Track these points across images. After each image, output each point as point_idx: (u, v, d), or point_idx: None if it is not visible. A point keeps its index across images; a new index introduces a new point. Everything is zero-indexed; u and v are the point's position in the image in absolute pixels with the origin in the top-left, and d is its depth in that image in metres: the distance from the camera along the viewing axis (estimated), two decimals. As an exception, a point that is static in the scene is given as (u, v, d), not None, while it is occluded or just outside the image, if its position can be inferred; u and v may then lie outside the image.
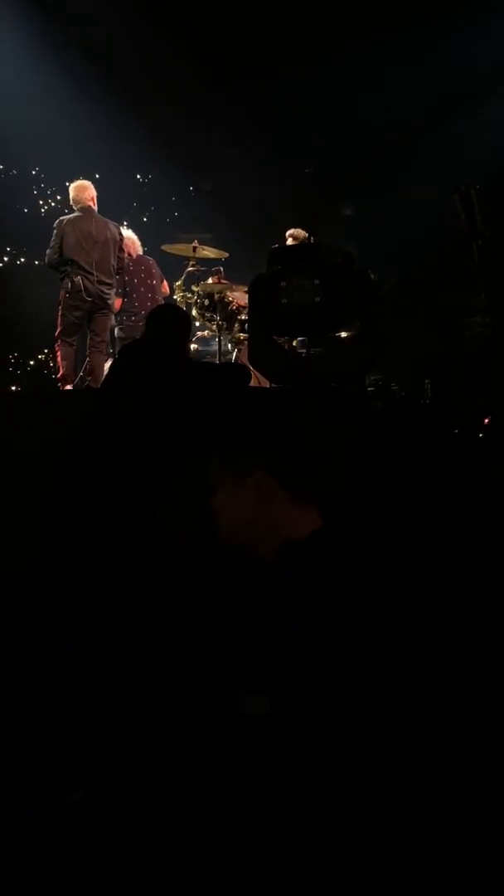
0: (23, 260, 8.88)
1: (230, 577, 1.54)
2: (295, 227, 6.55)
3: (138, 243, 6.62)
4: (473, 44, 7.41)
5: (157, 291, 6.45)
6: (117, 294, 6.23)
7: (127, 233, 6.48)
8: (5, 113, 7.69)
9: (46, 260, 5.97)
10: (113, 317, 6.26)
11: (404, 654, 1.37)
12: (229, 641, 1.46)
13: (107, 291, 5.94)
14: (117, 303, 6.27)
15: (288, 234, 6.57)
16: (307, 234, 6.47)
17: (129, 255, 6.38)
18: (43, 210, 8.87)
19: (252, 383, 4.01)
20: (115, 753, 1.65)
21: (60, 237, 5.86)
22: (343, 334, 4.85)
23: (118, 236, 6.08)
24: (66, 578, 2.47)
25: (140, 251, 6.59)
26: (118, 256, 6.05)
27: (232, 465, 1.46)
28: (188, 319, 4.40)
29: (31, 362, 8.50)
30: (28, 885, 1.51)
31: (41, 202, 8.97)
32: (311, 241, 6.42)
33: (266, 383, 4.11)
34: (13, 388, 7.96)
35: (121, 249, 6.11)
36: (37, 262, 7.18)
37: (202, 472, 1.54)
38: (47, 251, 5.95)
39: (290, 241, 6.53)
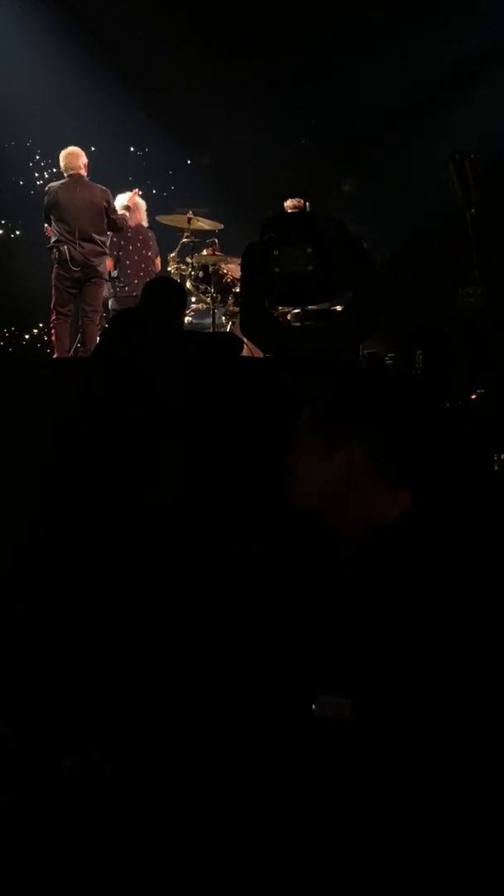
0: (17, 233, 8.82)
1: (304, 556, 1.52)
2: (293, 198, 6.52)
3: (142, 211, 6.57)
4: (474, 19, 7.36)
5: (150, 263, 6.42)
6: (109, 255, 6.21)
7: (137, 199, 6.46)
8: (3, 84, 7.62)
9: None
10: (106, 287, 6.24)
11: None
12: (309, 632, 1.41)
13: (93, 259, 5.91)
14: (108, 263, 6.23)
15: (286, 204, 6.53)
16: (305, 203, 6.45)
17: (130, 224, 6.33)
18: (39, 182, 8.80)
19: (244, 353, 4.01)
20: (106, 725, 1.67)
21: (46, 204, 5.88)
22: (338, 308, 4.84)
23: (105, 202, 6.03)
24: (64, 550, 2.47)
25: (144, 221, 6.52)
26: (111, 219, 6.02)
27: (327, 431, 1.45)
28: (183, 291, 4.38)
29: (27, 336, 8.46)
30: (27, 846, 1.51)
31: (36, 174, 8.90)
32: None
33: (258, 353, 4.10)
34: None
35: (113, 211, 6.07)
36: (34, 236, 7.15)
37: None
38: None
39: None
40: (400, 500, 1.42)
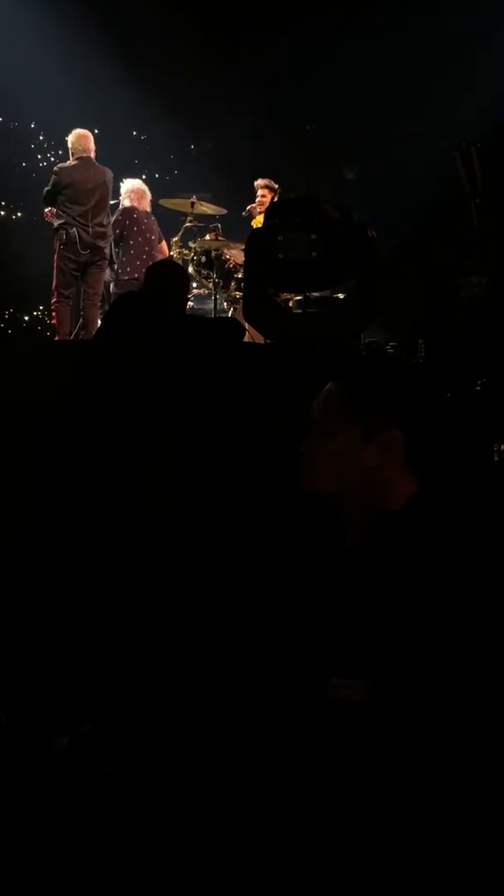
0: (19, 215, 8.79)
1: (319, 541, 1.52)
2: (263, 178, 6.58)
3: (147, 198, 6.49)
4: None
5: (153, 247, 6.38)
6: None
7: (136, 183, 6.43)
8: (6, 66, 7.57)
9: (42, 196, 5.98)
10: (108, 271, 6.23)
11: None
12: (325, 615, 1.41)
13: (101, 242, 5.92)
14: None
15: (256, 183, 6.59)
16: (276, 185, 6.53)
17: (137, 208, 6.31)
18: (42, 165, 8.76)
19: (246, 339, 4.01)
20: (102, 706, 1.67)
21: (58, 185, 5.84)
22: (340, 296, 4.83)
23: (110, 183, 6.06)
24: (61, 536, 2.47)
25: (146, 206, 6.49)
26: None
27: (365, 418, 1.45)
28: (186, 276, 4.36)
29: (27, 318, 8.44)
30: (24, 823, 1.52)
31: (39, 156, 8.86)
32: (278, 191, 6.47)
33: (260, 339, 4.09)
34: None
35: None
36: (35, 218, 7.12)
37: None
38: (44, 190, 5.96)
39: (262, 192, 6.53)
40: (410, 485, 1.43)
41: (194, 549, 2.26)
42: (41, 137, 8.82)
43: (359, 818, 1.24)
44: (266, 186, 6.60)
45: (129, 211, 6.26)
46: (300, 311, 4.69)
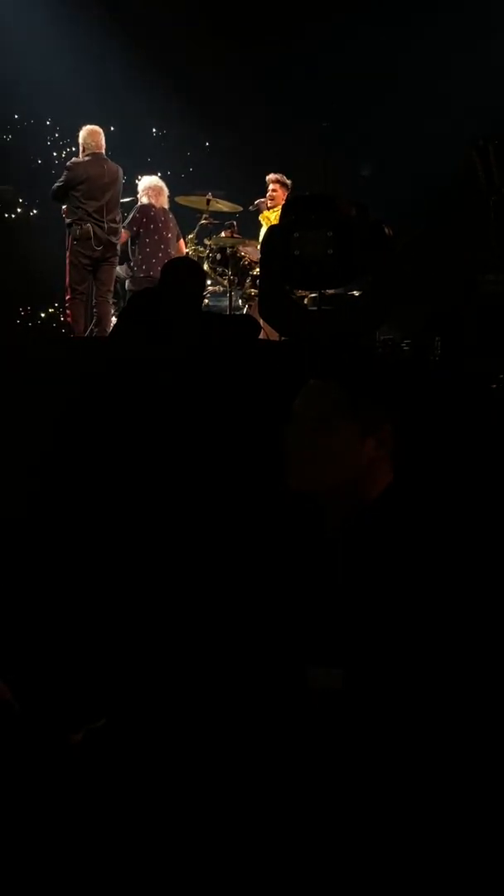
0: (35, 212, 8.80)
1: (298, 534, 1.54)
2: (275, 173, 6.56)
3: (164, 195, 6.47)
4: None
5: (170, 245, 6.38)
6: (127, 230, 6.22)
7: (153, 180, 6.43)
8: (23, 63, 7.60)
9: (52, 192, 5.96)
10: (123, 268, 6.24)
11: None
12: (301, 606, 1.44)
13: (114, 237, 5.94)
14: (123, 235, 6.22)
15: (268, 178, 6.56)
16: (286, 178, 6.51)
17: (154, 205, 6.31)
18: (57, 162, 8.78)
19: (261, 336, 4.00)
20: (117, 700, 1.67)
21: (73, 181, 5.83)
22: (355, 293, 4.81)
23: (122, 178, 6.08)
24: (73, 528, 2.48)
25: (163, 203, 6.48)
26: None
27: (362, 415, 1.47)
28: (202, 273, 4.36)
29: (42, 314, 8.45)
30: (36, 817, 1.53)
31: (55, 153, 8.87)
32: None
33: (275, 336, 4.08)
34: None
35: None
36: (49, 214, 7.13)
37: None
38: (54, 185, 5.93)
39: (273, 187, 6.52)
40: (387, 476, 1.46)
41: (190, 543, 2.27)
42: (56, 134, 8.84)
43: (338, 800, 1.28)
44: (277, 181, 6.58)
45: (146, 208, 6.27)
46: (315, 308, 4.68)
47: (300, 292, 5.04)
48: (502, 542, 1.79)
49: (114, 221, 5.94)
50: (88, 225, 5.79)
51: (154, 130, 9.30)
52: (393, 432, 1.47)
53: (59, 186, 5.92)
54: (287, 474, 1.49)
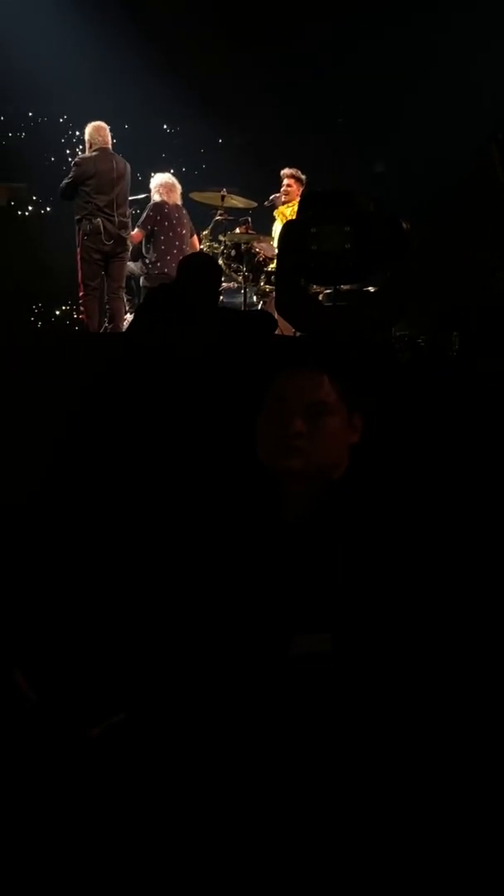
0: (48, 210, 8.83)
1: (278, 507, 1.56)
2: (290, 168, 6.56)
3: (177, 191, 6.48)
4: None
5: (184, 242, 6.39)
6: (142, 229, 6.22)
7: (166, 177, 6.44)
8: (36, 61, 7.61)
9: (60, 190, 5.96)
10: (138, 265, 6.24)
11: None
12: (287, 575, 1.46)
13: (124, 232, 5.93)
14: (138, 235, 6.23)
15: (282, 172, 6.56)
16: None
17: (167, 202, 6.32)
18: (70, 160, 8.80)
19: (277, 331, 3.99)
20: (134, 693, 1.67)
21: (81, 176, 5.83)
22: (370, 289, 4.80)
23: (130, 173, 6.08)
24: (87, 520, 2.48)
25: (176, 199, 6.49)
26: None
27: (349, 402, 1.56)
28: (219, 268, 4.36)
29: (57, 312, 8.48)
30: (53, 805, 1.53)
31: (68, 151, 8.89)
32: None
33: (291, 332, 4.08)
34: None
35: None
36: (60, 211, 7.14)
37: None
38: (63, 183, 5.93)
39: (287, 182, 6.51)
40: (347, 459, 1.55)
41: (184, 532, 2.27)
42: (69, 132, 8.86)
43: (326, 767, 1.30)
44: (292, 176, 6.58)
45: (159, 206, 6.27)
46: (330, 304, 4.67)
47: (315, 288, 5.03)
48: (477, 503, 1.86)
49: (124, 216, 5.93)
50: (98, 220, 5.78)
51: (165, 127, 9.30)
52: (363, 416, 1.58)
53: (67, 184, 5.91)
54: (286, 456, 1.52)
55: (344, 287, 4.68)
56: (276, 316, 3.89)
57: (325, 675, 1.34)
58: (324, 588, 1.40)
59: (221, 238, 6.01)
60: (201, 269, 3.59)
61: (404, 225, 3.44)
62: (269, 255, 5.94)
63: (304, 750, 1.32)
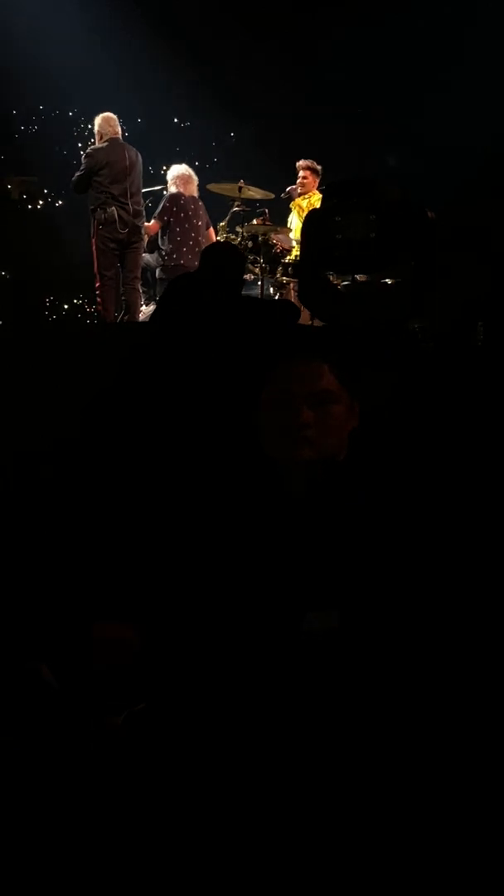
0: (60, 203, 8.82)
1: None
2: (306, 160, 6.53)
3: (193, 183, 6.47)
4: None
5: (200, 233, 6.38)
6: (159, 220, 6.21)
7: (182, 168, 6.42)
8: (48, 54, 7.61)
9: (73, 183, 5.95)
10: (154, 256, 6.23)
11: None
12: (293, 551, 1.46)
13: (138, 221, 5.93)
14: (154, 226, 6.22)
15: (298, 164, 6.54)
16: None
17: (184, 194, 6.30)
18: (82, 153, 8.80)
19: (300, 321, 3.98)
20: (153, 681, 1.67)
21: (94, 167, 5.82)
22: (388, 281, 4.79)
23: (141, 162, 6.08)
24: (107, 505, 2.47)
25: (192, 191, 6.47)
26: None
27: (349, 385, 1.57)
28: (243, 257, 4.35)
29: (66, 306, 8.48)
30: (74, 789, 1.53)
31: (80, 144, 8.89)
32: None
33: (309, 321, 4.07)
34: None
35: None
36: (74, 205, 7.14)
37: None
38: (75, 175, 5.92)
39: (303, 174, 6.50)
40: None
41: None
42: (82, 125, 8.85)
43: (334, 744, 1.31)
44: (308, 168, 6.57)
45: (175, 197, 6.26)
46: (353, 293, 4.65)
47: (333, 279, 5.01)
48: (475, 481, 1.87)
49: (138, 204, 5.94)
50: (113, 208, 5.78)
51: (176, 120, 9.28)
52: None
53: (80, 176, 5.90)
54: (295, 447, 1.51)
55: (361, 277, 4.67)
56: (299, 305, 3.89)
57: (332, 650, 1.35)
58: (329, 565, 1.42)
59: (239, 229, 5.99)
60: (225, 257, 3.57)
61: (430, 214, 3.43)
62: (287, 246, 5.93)
63: (312, 725, 1.33)
